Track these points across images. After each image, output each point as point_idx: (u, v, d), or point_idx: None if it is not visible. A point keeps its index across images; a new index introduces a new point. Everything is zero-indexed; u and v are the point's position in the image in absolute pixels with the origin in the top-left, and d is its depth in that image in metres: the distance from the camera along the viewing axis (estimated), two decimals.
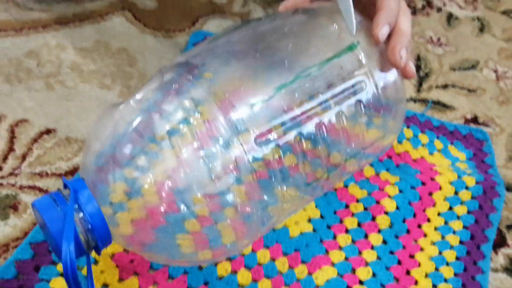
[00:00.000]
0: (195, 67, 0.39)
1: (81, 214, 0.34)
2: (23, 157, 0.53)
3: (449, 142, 0.61)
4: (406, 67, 0.42)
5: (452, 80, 0.71)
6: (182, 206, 0.36)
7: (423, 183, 0.55)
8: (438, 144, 0.61)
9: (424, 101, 0.67)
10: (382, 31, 0.41)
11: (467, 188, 0.56)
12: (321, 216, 0.51)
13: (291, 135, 0.38)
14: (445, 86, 0.69)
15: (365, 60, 0.42)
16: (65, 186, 0.36)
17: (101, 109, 0.57)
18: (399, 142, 0.60)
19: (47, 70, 0.60)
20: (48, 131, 0.55)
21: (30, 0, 0.67)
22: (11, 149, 0.53)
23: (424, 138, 0.61)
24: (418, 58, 0.73)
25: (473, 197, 0.55)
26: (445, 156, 0.60)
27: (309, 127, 0.39)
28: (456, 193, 0.55)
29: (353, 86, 0.41)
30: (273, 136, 0.37)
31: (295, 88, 0.39)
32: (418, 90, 0.68)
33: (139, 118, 0.36)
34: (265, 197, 0.38)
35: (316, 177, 0.41)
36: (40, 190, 0.50)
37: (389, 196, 0.53)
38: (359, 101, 0.41)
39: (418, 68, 0.72)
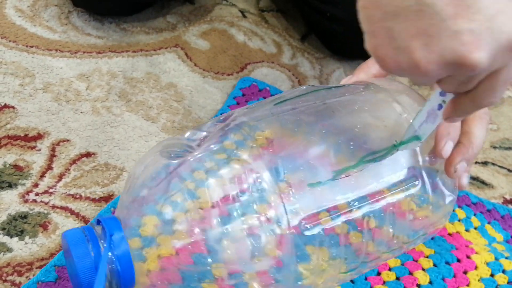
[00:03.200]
0: (253, 129, 0.38)
1: (109, 254, 0.34)
2: (60, 177, 0.52)
3: (487, 221, 0.60)
4: (459, 181, 0.41)
5: (492, 158, 0.70)
6: (212, 250, 0.35)
7: (459, 260, 0.54)
8: (475, 221, 0.59)
9: None
10: (446, 148, 0.39)
11: (504, 271, 0.54)
12: (352, 281, 0.49)
13: (338, 222, 0.37)
14: (484, 163, 0.68)
15: (421, 158, 0.41)
16: (98, 222, 0.36)
17: (144, 140, 0.58)
18: None
19: (95, 94, 0.61)
20: (88, 154, 0.55)
21: (88, 26, 0.68)
22: (49, 167, 0.53)
23: (461, 213, 0.59)
24: None
25: (509, 282, 0.53)
26: (482, 234, 0.58)
27: (358, 215, 0.38)
28: (492, 275, 0.53)
29: (408, 180, 0.40)
30: (319, 221, 0.37)
31: (353, 173, 0.38)
32: None
33: (199, 187, 0.36)
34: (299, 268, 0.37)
35: (371, 257, 0.40)
36: (72, 212, 0.50)
37: (423, 269, 0.52)
38: (411, 195, 0.40)
39: None
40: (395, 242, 0.41)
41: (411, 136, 0.39)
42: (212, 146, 0.37)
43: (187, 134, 0.41)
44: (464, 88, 0.32)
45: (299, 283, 0.37)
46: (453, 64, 0.29)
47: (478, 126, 0.41)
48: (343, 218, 0.37)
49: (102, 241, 0.35)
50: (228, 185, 0.36)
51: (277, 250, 0.35)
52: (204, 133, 0.39)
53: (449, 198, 0.43)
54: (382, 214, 0.39)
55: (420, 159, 0.41)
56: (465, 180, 0.41)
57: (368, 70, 0.46)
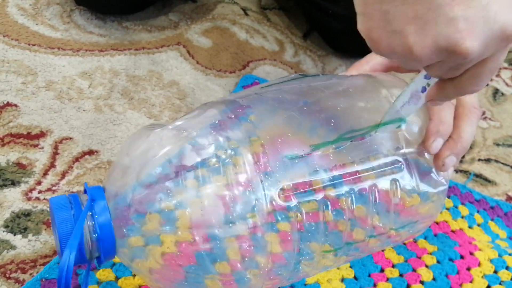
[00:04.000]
0: (240, 108, 0.39)
1: (91, 222, 0.34)
2: (63, 175, 0.52)
3: (490, 218, 0.60)
4: (445, 171, 0.41)
5: (495, 155, 0.69)
6: (215, 247, 0.35)
7: (462, 257, 0.53)
8: (478, 218, 0.59)
9: (465, 172, 0.66)
10: (434, 145, 0.39)
11: (507, 268, 0.53)
12: (355, 277, 0.49)
13: (314, 197, 0.37)
14: (487, 160, 0.68)
15: (406, 144, 0.40)
16: (85, 191, 0.36)
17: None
18: None
19: (98, 92, 0.61)
20: (91, 152, 0.55)
21: (91, 24, 0.68)
22: (52, 165, 0.53)
23: (464, 210, 0.59)
24: None
25: None
26: (485, 231, 0.58)
27: (343, 190, 0.38)
28: (495, 271, 0.53)
29: (391, 163, 0.39)
30: (295, 194, 0.36)
31: (332, 149, 0.38)
32: (461, 161, 0.67)
33: (173, 147, 0.36)
34: (300, 250, 0.37)
35: (355, 239, 0.39)
36: None
37: (426, 266, 0.52)
38: (395, 180, 0.40)
39: None
40: (380, 226, 0.40)
41: (393, 117, 0.38)
42: (194, 114, 0.38)
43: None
44: (451, 75, 0.33)
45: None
46: (446, 51, 0.29)
47: (468, 121, 0.41)
48: (319, 195, 0.37)
49: (83, 206, 0.35)
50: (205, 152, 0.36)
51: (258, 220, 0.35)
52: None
53: (440, 187, 0.42)
54: (364, 194, 0.38)
55: (405, 148, 0.40)
56: (450, 172, 0.42)
57: (361, 67, 0.46)
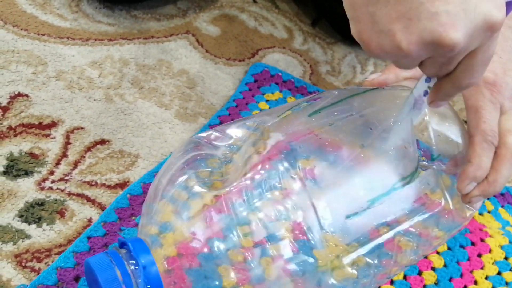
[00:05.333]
0: (299, 158, 0.38)
1: (138, 280, 0.33)
2: (75, 164, 0.53)
3: (500, 205, 0.60)
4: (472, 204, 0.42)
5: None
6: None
7: (473, 243, 0.54)
8: (489, 205, 0.59)
9: None
10: (467, 188, 0.40)
11: None
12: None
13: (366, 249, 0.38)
14: None
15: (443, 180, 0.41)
16: (121, 245, 0.35)
17: (158, 126, 0.58)
18: None
19: (108, 82, 0.61)
20: (102, 142, 0.55)
21: (99, 13, 0.68)
22: (64, 154, 0.53)
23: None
24: None
25: None
26: (496, 218, 0.58)
27: (384, 240, 0.39)
28: (506, 258, 0.53)
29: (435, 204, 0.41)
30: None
31: (384, 201, 0.39)
32: None
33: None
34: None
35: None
36: (88, 199, 0.50)
37: (437, 252, 0.52)
38: (435, 217, 0.41)
39: None
40: (415, 255, 0.42)
41: (404, 127, 0.40)
42: (252, 175, 0.37)
43: (206, 137, 0.40)
44: (445, 70, 0.34)
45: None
46: (432, 44, 0.31)
47: (507, 165, 0.41)
48: (372, 245, 0.39)
49: (127, 262, 0.33)
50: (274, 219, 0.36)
51: None
52: (231, 140, 0.39)
53: (469, 212, 0.44)
54: (410, 235, 0.40)
55: (441, 181, 0.41)
56: (476, 207, 0.43)
57: (399, 72, 0.47)
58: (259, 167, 0.37)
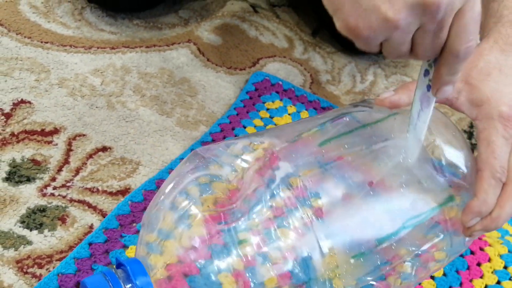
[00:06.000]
0: (307, 192, 0.38)
1: None
2: (77, 171, 0.53)
3: None
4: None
5: None
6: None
7: (472, 252, 0.54)
8: None
9: None
10: (471, 222, 0.40)
11: None
12: None
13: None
14: None
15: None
16: (118, 266, 0.35)
17: (159, 134, 0.58)
18: None
19: (110, 90, 0.61)
20: (104, 149, 0.55)
21: (102, 22, 0.69)
22: (66, 161, 0.54)
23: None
24: (471, 125, 0.72)
25: None
26: None
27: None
28: (505, 267, 0.54)
29: (436, 235, 0.41)
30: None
31: (392, 240, 0.39)
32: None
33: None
34: None
35: None
36: (89, 205, 0.50)
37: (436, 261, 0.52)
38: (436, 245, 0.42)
39: (470, 135, 0.71)
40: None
41: (415, 136, 0.40)
42: (259, 209, 0.36)
43: (212, 153, 0.40)
44: (440, 40, 0.34)
45: None
46: (417, 7, 0.31)
47: (506, 202, 0.41)
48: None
49: (123, 284, 0.33)
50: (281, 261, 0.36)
51: None
52: (233, 160, 0.39)
53: (469, 241, 0.44)
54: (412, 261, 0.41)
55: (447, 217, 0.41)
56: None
57: (413, 94, 0.46)
58: (268, 202, 0.37)
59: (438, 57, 0.35)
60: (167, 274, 0.35)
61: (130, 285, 0.33)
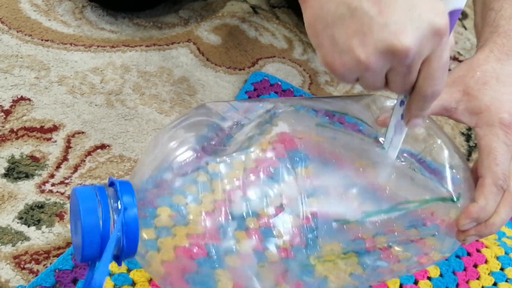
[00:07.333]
0: (295, 156, 0.38)
1: (115, 217, 0.33)
2: (75, 168, 0.53)
3: None
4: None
5: None
6: (225, 240, 0.36)
7: (469, 254, 0.54)
8: None
9: None
10: (467, 226, 0.40)
11: None
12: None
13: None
14: None
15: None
16: (111, 184, 0.35)
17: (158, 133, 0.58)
18: None
19: (109, 88, 0.61)
20: (103, 146, 0.56)
21: (102, 20, 0.69)
22: (65, 158, 0.54)
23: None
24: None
25: None
26: None
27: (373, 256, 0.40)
28: (502, 269, 0.54)
29: (430, 233, 0.41)
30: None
31: (382, 218, 0.39)
32: (468, 160, 0.67)
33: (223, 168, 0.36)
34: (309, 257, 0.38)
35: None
36: None
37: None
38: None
39: (468, 138, 0.71)
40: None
41: (389, 155, 0.40)
42: (249, 150, 0.37)
43: (219, 107, 0.40)
44: (409, 81, 0.36)
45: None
46: (387, 52, 0.33)
47: (508, 209, 0.41)
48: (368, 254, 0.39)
49: (111, 201, 0.34)
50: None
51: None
52: (238, 116, 0.39)
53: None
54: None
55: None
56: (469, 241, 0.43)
57: None
58: (261, 162, 0.37)
59: (410, 93, 0.37)
60: (164, 271, 0.35)
61: (116, 203, 0.33)
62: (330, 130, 0.41)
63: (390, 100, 0.45)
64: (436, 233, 0.41)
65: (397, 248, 0.40)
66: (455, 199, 0.40)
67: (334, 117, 0.42)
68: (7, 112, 0.56)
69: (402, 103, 0.38)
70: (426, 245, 0.41)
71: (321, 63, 0.36)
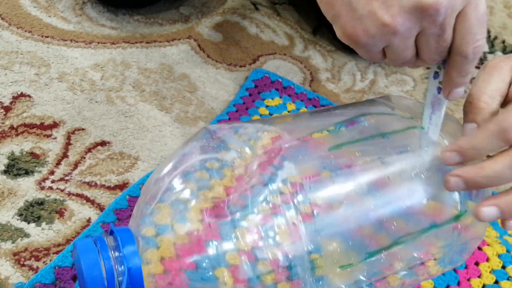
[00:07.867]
0: (300, 188, 0.37)
1: (121, 268, 0.33)
2: (75, 165, 0.53)
3: None
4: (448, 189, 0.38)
5: None
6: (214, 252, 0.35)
7: None
8: None
9: None
10: (446, 157, 0.35)
11: None
12: None
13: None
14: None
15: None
16: (111, 232, 0.35)
17: (158, 129, 0.58)
18: None
19: (110, 84, 0.61)
20: (103, 143, 0.55)
21: (102, 17, 0.69)
22: (65, 155, 0.54)
23: (472, 206, 0.60)
24: None
25: None
26: (493, 227, 0.58)
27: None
28: (503, 267, 0.54)
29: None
30: None
31: (384, 254, 0.38)
32: None
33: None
34: None
35: None
36: (87, 199, 0.50)
37: (435, 259, 0.52)
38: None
39: None
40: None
41: (429, 138, 0.38)
42: (256, 205, 0.36)
43: (227, 133, 0.39)
44: (445, 44, 0.32)
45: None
46: (415, 10, 0.30)
47: (507, 162, 0.34)
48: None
49: (112, 252, 0.34)
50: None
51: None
52: (246, 148, 0.38)
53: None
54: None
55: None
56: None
57: None
58: (265, 200, 0.36)
59: (446, 58, 0.34)
60: (163, 269, 0.35)
61: (118, 253, 0.33)
62: (346, 152, 0.39)
63: (406, 99, 0.43)
64: (437, 257, 0.41)
65: (397, 276, 0.40)
66: (462, 213, 0.40)
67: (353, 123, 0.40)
68: (7, 109, 0.56)
69: (436, 75, 0.35)
70: (425, 266, 0.41)
71: (341, 37, 0.33)
